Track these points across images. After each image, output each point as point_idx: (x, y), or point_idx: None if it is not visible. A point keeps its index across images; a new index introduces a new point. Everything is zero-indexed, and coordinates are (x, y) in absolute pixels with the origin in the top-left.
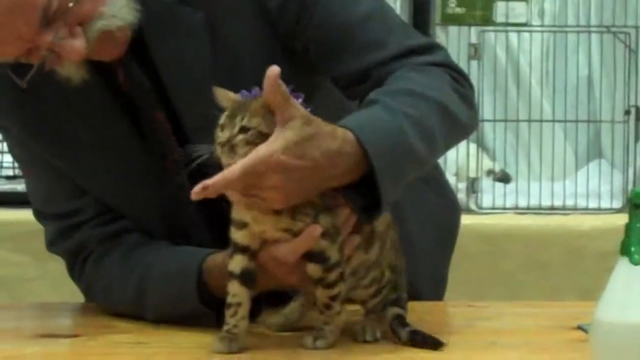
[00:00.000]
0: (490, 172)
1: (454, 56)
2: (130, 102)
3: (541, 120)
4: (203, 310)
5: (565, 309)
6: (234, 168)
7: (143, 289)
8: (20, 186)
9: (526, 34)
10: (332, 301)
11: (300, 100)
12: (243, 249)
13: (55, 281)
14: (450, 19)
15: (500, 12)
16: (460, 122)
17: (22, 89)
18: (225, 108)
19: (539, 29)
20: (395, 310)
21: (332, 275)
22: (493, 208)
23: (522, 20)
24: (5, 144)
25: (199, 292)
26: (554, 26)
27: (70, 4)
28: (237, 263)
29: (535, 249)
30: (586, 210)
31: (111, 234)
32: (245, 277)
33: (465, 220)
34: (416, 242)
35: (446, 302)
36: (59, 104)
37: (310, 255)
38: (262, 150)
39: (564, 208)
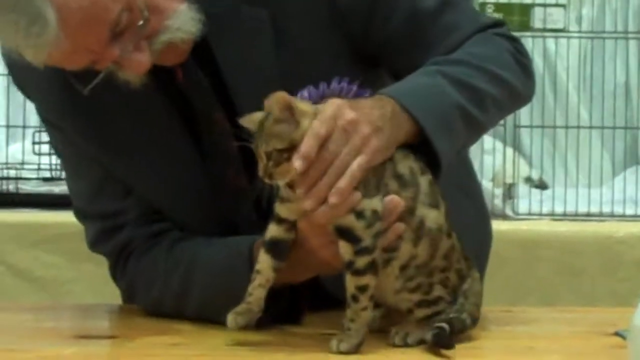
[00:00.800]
0: (527, 180)
1: None
2: (187, 102)
3: (578, 127)
4: None
5: (602, 315)
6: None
7: (189, 279)
8: (57, 188)
9: (563, 40)
10: (359, 292)
11: (367, 95)
12: (280, 220)
13: (91, 283)
14: None
15: (537, 17)
16: (514, 89)
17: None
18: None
19: (577, 35)
20: (441, 324)
21: (362, 261)
22: (529, 214)
23: (560, 26)
24: (41, 147)
25: (251, 272)
26: (591, 32)
27: (140, 22)
28: (270, 232)
29: (571, 255)
30: (623, 217)
31: (155, 233)
32: (272, 246)
33: (501, 226)
34: None
35: (483, 307)
36: (113, 103)
37: (341, 231)
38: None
39: (600, 215)
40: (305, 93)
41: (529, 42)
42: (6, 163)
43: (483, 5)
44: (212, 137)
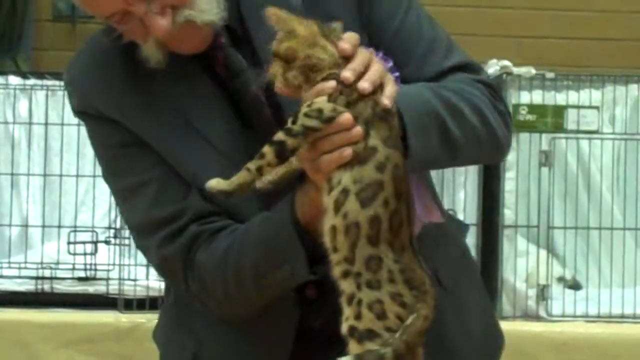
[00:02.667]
0: (560, 279)
1: (524, 163)
2: (225, 82)
3: (612, 228)
4: (297, 246)
5: None
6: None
7: (241, 253)
8: (92, 288)
9: (597, 141)
10: (257, 157)
11: (390, 64)
12: None
13: None
14: (521, 126)
15: (571, 119)
16: (492, 130)
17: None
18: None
19: (611, 136)
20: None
21: (279, 136)
22: (563, 315)
23: (594, 127)
24: (76, 246)
25: (293, 223)
26: (625, 134)
27: None
28: None
29: (606, 358)
30: None
31: (219, 228)
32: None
33: (536, 328)
34: None
35: None
36: (165, 93)
37: (293, 112)
38: None
39: (634, 316)
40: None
41: (562, 143)
42: (41, 262)
43: (517, 106)
44: (252, 113)
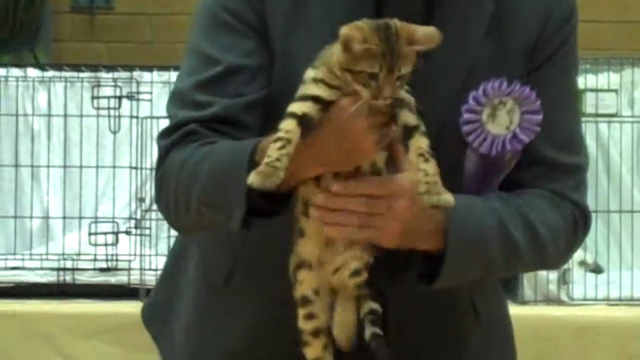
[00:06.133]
0: (582, 263)
1: None
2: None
3: (632, 211)
4: (240, 195)
5: None
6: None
7: (199, 167)
8: (113, 278)
9: (616, 124)
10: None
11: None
12: (317, 100)
13: None
14: None
15: (589, 102)
16: (548, 260)
17: None
18: None
19: (630, 119)
20: (372, 304)
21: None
22: (584, 299)
23: (612, 111)
24: (97, 237)
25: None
26: None
27: None
28: (301, 107)
29: (628, 341)
30: None
31: (207, 142)
32: (304, 120)
33: (557, 312)
34: None
35: None
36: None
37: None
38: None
39: None
40: (489, 85)
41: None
42: (62, 254)
43: None
44: None
